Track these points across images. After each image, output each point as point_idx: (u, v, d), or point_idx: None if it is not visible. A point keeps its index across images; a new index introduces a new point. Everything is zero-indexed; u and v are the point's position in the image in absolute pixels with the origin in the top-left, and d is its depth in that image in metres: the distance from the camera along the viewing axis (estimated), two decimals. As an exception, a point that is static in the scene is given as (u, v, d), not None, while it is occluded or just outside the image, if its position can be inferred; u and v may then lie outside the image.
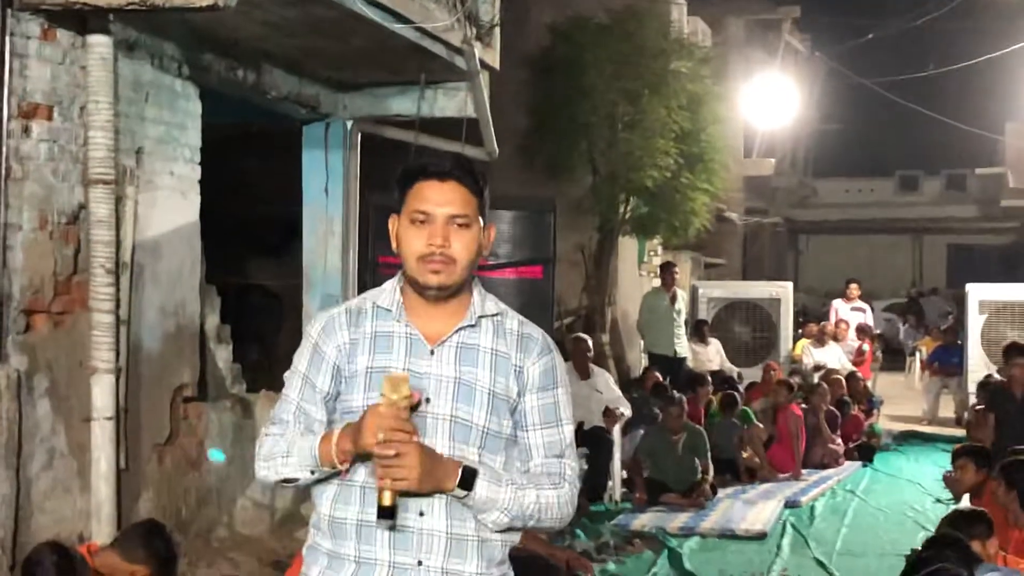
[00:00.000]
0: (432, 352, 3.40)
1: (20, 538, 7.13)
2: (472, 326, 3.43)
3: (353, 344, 3.45)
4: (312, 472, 3.35)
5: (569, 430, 3.49)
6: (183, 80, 9.22)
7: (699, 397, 14.92)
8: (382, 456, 3.16)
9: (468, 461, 3.31)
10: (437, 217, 3.35)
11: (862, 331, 21.69)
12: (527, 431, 3.44)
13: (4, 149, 7.44)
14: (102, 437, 8.03)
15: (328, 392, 3.45)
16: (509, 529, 3.38)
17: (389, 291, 3.48)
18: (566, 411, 3.49)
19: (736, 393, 15.75)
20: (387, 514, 3.21)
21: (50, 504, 7.68)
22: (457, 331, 3.42)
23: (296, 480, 3.41)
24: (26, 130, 7.64)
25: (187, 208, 9.32)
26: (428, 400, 3.35)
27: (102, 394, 8.02)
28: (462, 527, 3.33)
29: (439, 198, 3.36)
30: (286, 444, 3.40)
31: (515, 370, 3.43)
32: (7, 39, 7.43)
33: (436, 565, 3.33)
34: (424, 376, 3.37)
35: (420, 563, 3.32)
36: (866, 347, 21.35)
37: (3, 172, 7.43)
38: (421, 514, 3.30)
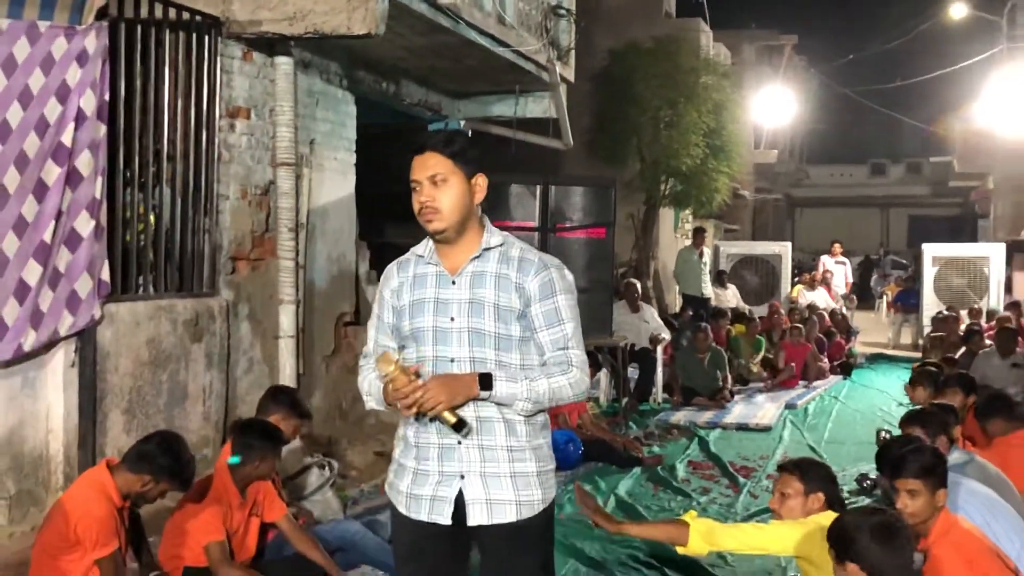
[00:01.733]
0: (454, 282, 3.37)
1: (229, 422, 7.23)
2: (479, 257, 3.38)
3: (401, 285, 3.44)
4: (385, 407, 3.37)
5: (571, 327, 3.37)
6: (343, 90, 9.29)
7: (719, 326, 14.85)
8: (410, 411, 3.18)
9: (487, 362, 3.30)
10: (421, 181, 3.33)
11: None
12: (536, 332, 3.36)
13: (216, 139, 7.56)
14: (286, 350, 8.17)
15: (392, 323, 3.45)
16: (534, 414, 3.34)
17: (425, 243, 3.46)
18: (566, 313, 3.37)
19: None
20: (458, 428, 3.22)
21: (250, 398, 7.76)
22: (470, 262, 3.37)
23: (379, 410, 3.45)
24: (231, 126, 7.76)
25: (346, 185, 9.41)
26: (453, 319, 3.33)
27: (286, 319, 8.14)
28: (487, 411, 3.29)
29: (419, 166, 3.34)
30: (367, 384, 3.44)
31: (516, 287, 3.34)
32: (218, 59, 7.54)
33: (472, 442, 3.30)
34: (449, 301, 3.35)
35: (459, 442, 3.31)
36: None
37: (216, 156, 7.55)
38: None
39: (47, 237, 6.06)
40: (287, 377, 8.14)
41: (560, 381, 3.32)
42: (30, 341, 5.98)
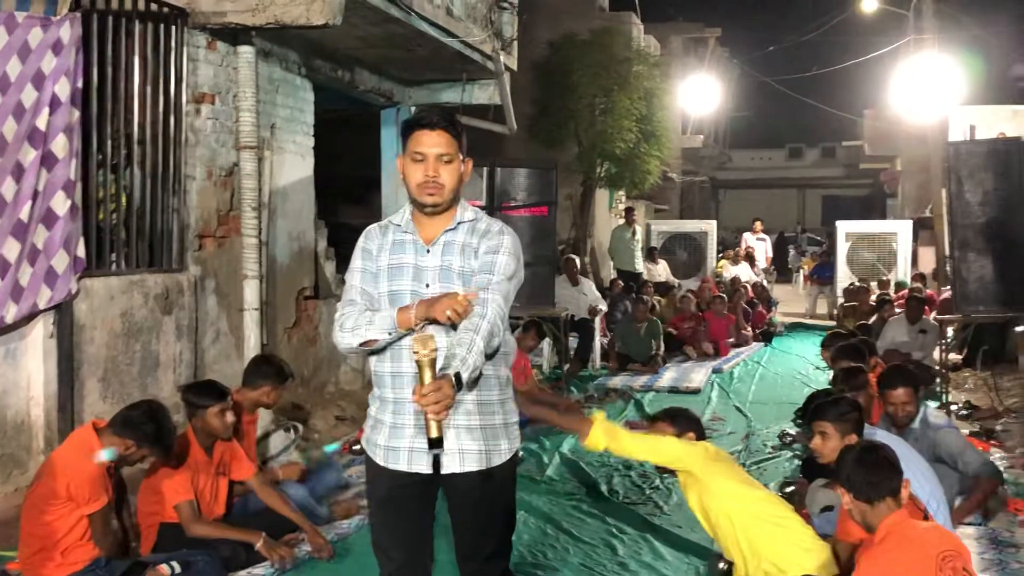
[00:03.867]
0: (428, 251, 3.41)
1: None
2: (453, 229, 3.42)
3: (380, 248, 3.46)
4: (389, 333, 3.30)
5: (498, 279, 3.32)
6: (302, 78, 9.26)
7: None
8: (429, 407, 3.05)
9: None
10: (429, 156, 3.33)
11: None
12: (473, 276, 3.36)
13: (183, 124, 7.53)
14: (251, 322, 8.15)
15: (376, 275, 3.45)
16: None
17: (402, 213, 3.49)
18: (501, 268, 3.34)
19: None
20: (437, 443, 3.13)
21: (217, 367, 7.81)
22: (443, 233, 3.41)
23: (375, 341, 3.31)
24: (197, 111, 7.72)
25: (305, 167, 9.38)
26: (428, 285, 3.36)
27: (251, 293, 8.13)
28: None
29: (430, 142, 3.34)
30: (368, 315, 3.36)
31: (475, 252, 3.39)
32: (185, 48, 7.50)
33: None
34: (424, 268, 3.39)
35: (440, 451, 3.29)
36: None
37: (183, 140, 7.52)
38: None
39: (24, 216, 6.02)
40: (252, 347, 8.15)
41: (474, 338, 3.19)
42: (11, 314, 5.96)
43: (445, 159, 3.36)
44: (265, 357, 6.58)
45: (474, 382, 3.29)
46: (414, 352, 3.11)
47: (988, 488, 5.95)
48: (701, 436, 4.88)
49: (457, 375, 3.14)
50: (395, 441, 3.40)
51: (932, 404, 9.38)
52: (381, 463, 3.44)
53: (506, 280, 3.37)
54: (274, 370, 6.04)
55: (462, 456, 3.36)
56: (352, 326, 3.37)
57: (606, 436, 4.37)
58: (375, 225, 3.57)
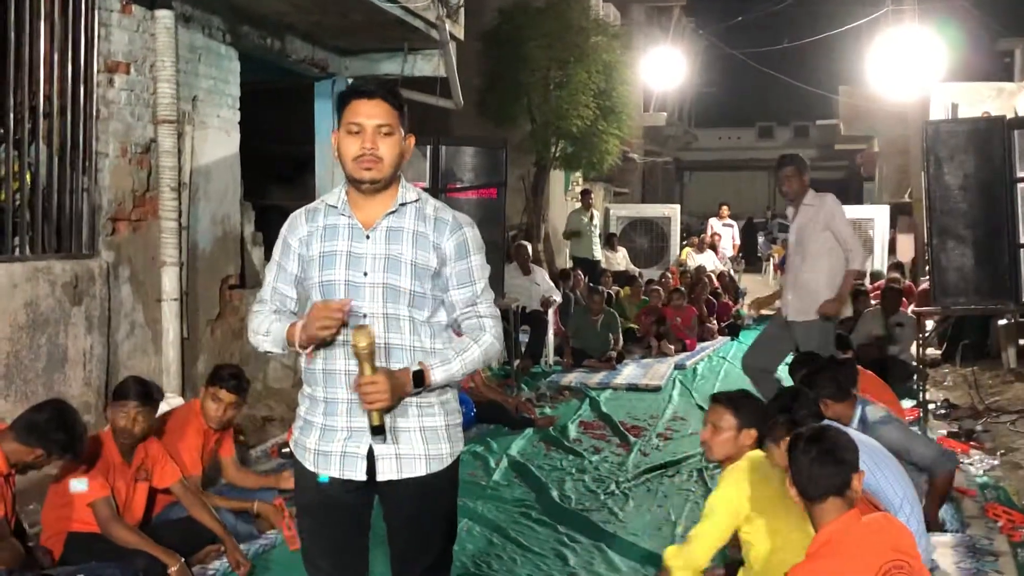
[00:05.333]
0: (368, 236, 3.36)
1: (110, 388, 7.14)
2: (395, 212, 3.38)
3: (310, 235, 3.41)
4: (283, 350, 3.40)
5: (481, 285, 3.43)
6: (227, 46, 9.17)
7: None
8: (363, 394, 3.18)
9: (400, 319, 3.31)
10: (367, 127, 3.30)
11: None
12: (450, 291, 3.40)
13: (94, 95, 7.44)
14: (170, 314, 8.11)
15: (296, 274, 3.44)
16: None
17: (336, 193, 3.45)
18: (478, 273, 3.43)
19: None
20: (378, 431, 3.24)
21: (132, 363, 7.73)
22: (385, 216, 3.37)
23: (274, 352, 3.45)
24: (110, 81, 7.63)
25: (230, 143, 9.30)
26: (366, 274, 3.32)
27: (169, 281, 8.08)
28: (398, 368, 3.30)
29: (368, 111, 3.31)
30: (267, 324, 3.41)
31: (433, 246, 3.36)
32: (96, 12, 7.40)
33: None
34: (363, 255, 3.35)
35: (384, 439, 3.31)
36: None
37: (94, 113, 7.43)
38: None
39: (-83, 196, 5.93)
40: (171, 341, 8.11)
41: (484, 343, 3.38)
42: (-99, 304, 5.86)
43: (384, 131, 3.32)
44: (222, 365, 6.53)
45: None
46: (352, 345, 3.16)
47: (946, 480, 6.10)
48: (762, 432, 4.68)
49: (418, 372, 3.24)
50: (326, 444, 3.39)
51: (909, 403, 9.58)
52: (311, 468, 3.43)
53: (487, 283, 3.47)
54: (227, 376, 6.12)
55: (399, 461, 3.36)
56: (254, 328, 3.47)
57: (687, 567, 4.42)
58: (301, 210, 3.52)
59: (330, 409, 3.39)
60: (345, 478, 3.37)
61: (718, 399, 4.85)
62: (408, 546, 3.46)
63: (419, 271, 3.36)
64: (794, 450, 3.72)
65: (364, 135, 3.31)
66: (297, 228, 3.46)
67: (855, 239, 8.03)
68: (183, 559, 5.12)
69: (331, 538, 3.47)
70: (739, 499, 4.41)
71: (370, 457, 3.35)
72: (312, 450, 3.42)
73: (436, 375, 3.29)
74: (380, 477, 3.36)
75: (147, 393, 5.37)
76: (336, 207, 3.42)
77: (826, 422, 4.63)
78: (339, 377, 3.34)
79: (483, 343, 3.38)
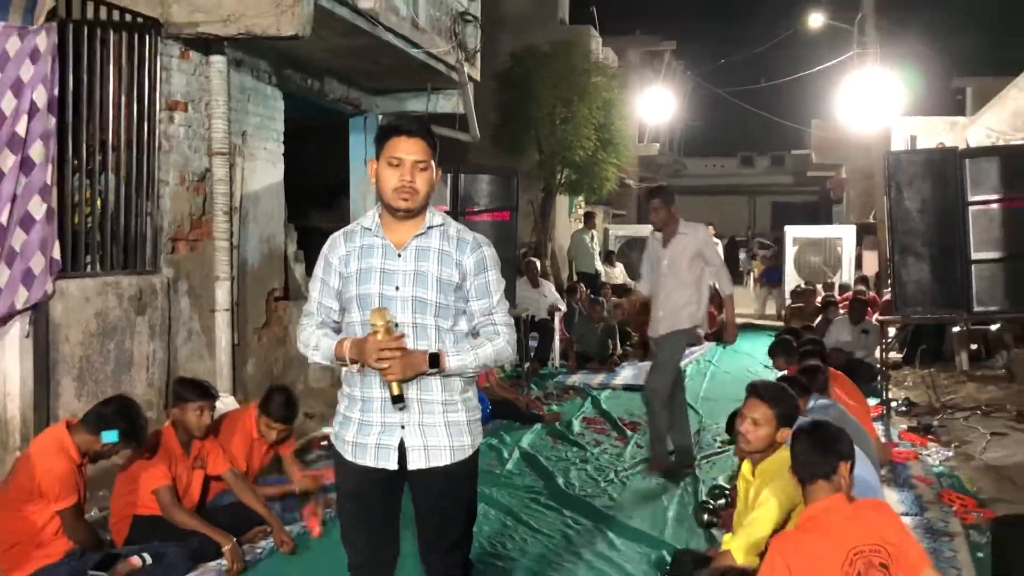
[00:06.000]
0: (399, 255, 3.38)
1: (170, 389, 7.14)
2: (424, 234, 3.40)
3: (348, 254, 3.43)
4: (332, 363, 3.41)
5: (496, 297, 3.45)
6: (272, 87, 9.22)
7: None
8: (379, 368, 3.24)
9: (428, 327, 3.34)
10: (406, 162, 3.32)
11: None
12: (470, 302, 3.42)
13: (156, 131, 7.49)
14: (223, 323, 8.13)
15: (336, 288, 3.45)
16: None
17: (371, 216, 3.46)
18: (494, 287, 3.44)
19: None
20: (398, 400, 3.29)
21: (189, 366, 7.76)
22: (415, 238, 3.39)
23: (321, 363, 3.48)
24: (171, 118, 7.68)
25: (275, 173, 9.33)
26: (398, 288, 3.35)
27: (222, 294, 8.11)
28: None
29: (407, 148, 3.32)
30: (315, 339, 3.44)
31: (455, 263, 3.38)
32: (158, 57, 7.46)
33: (412, 397, 3.34)
34: (395, 272, 3.37)
35: (403, 408, 3.34)
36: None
37: (156, 146, 7.48)
38: None
39: (3, 219, 5.97)
40: (223, 347, 8.13)
41: (497, 345, 3.41)
42: (-11, 314, 5.91)
43: (421, 166, 3.35)
44: (278, 388, 6.28)
45: (440, 384, 3.36)
46: (371, 324, 3.24)
47: None
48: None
49: (434, 355, 3.29)
50: (362, 438, 3.41)
51: (873, 401, 9.56)
52: (349, 458, 3.45)
53: (503, 295, 3.48)
54: (277, 405, 6.00)
55: (427, 452, 3.38)
56: (304, 341, 3.51)
57: (749, 552, 4.17)
58: (340, 232, 3.54)
59: (366, 407, 3.42)
60: (379, 467, 3.39)
61: (759, 394, 4.43)
62: (434, 527, 3.47)
63: (444, 285, 3.39)
64: (795, 439, 3.81)
65: (403, 169, 3.33)
66: (337, 248, 3.49)
67: (724, 267, 7.83)
68: (234, 540, 5.15)
69: (367, 520, 3.48)
70: (793, 489, 4.09)
71: (401, 449, 3.37)
72: (350, 442, 3.44)
73: (451, 361, 3.33)
74: (410, 466, 3.38)
75: (210, 393, 5.42)
76: (370, 229, 3.45)
77: (821, 417, 4.64)
78: (374, 379, 3.36)
79: (496, 344, 3.41)
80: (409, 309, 3.37)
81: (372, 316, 3.25)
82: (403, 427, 3.38)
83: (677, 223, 7.60)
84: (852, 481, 3.75)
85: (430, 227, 3.43)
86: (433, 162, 3.40)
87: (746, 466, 4.54)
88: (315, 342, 3.45)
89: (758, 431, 4.35)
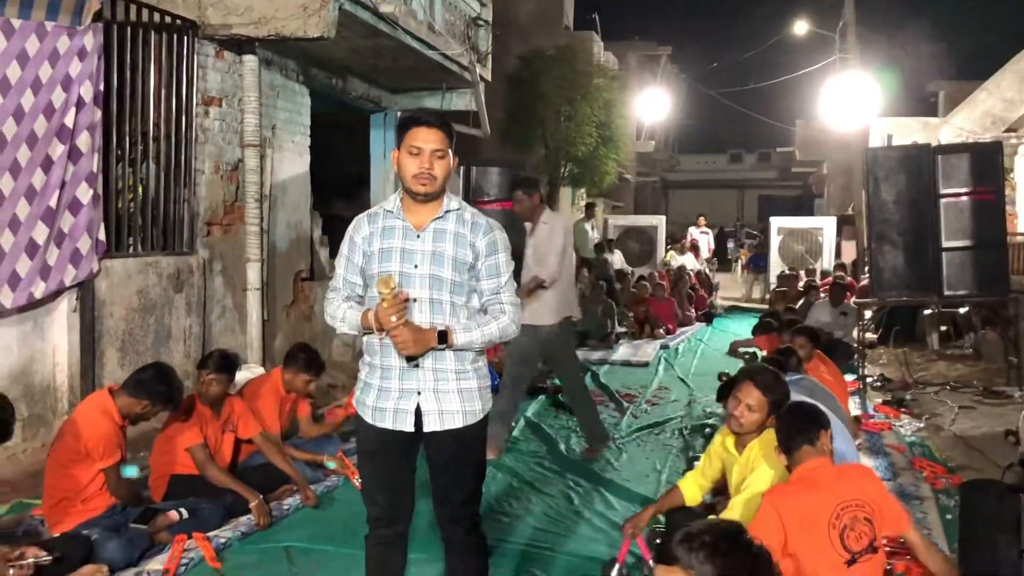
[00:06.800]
0: (418, 236, 3.37)
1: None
2: (441, 217, 3.38)
3: (371, 234, 3.41)
4: (359, 332, 3.40)
5: (505, 278, 3.42)
6: (300, 84, 9.22)
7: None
8: (393, 340, 3.25)
9: (443, 303, 3.33)
10: (425, 150, 3.29)
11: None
12: (480, 281, 3.40)
13: (193, 124, 7.50)
14: (254, 301, 8.18)
15: (360, 265, 3.44)
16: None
17: (393, 200, 3.44)
18: (503, 267, 3.42)
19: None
20: (410, 359, 3.30)
21: (223, 340, 7.80)
22: (433, 221, 3.37)
23: (348, 333, 3.46)
24: (206, 113, 7.69)
25: (302, 163, 9.34)
26: (417, 266, 3.34)
27: (253, 274, 8.15)
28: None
29: (426, 137, 3.29)
30: (342, 312, 3.42)
31: (470, 244, 3.37)
32: (195, 56, 7.47)
33: (428, 365, 3.34)
34: (414, 251, 3.36)
35: (417, 365, 3.32)
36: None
37: (193, 137, 7.49)
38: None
39: (53, 203, 5.99)
40: (254, 323, 8.17)
41: (502, 322, 3.39)
42: (40, 290, 5.93)
43: (439, 154, 3.33)
44: (304, 346, 6.28)
45: (453, 354, 3.36)
46: (379, 293, 3.21)
47: None
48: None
49: (443, 332, 3.28)
50: (382, 402, 3.41)
51: (851, 377, 9.54)
52: (369, 421, 3.44)
53: (511, 275, 3.46)
54: (304, 359, 6.02)
55: (441, 416, 3.38)
56: (331, 313, 3.49)
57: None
58: (364, 214, 3.52)
59: (385, 374, 3.41)
60: (397, 429, 3.40)
61: (756, 382, 4.25)
62: (447, 484, 3.47)
63: (458, 265, 3.37)
64: (781, 419, 3.83)
65: (423, 156, 3.31)
66: (361, 228, 3.47)
67: (560, 254, 6.95)
68: (262, 496, 5.16)
69: (386, 477, 3.47)
70: (780, 476, 4.00)
71: (417, 413, 3.37)
72: (371, 407, 3.44)
73: (458, 338, 3.31)
74: (426, 429, 3.37)
75: (223, 364, 5.38)
76: (392, 212, 3.43)
77: (794, 389, 4.61)
78: (393, 349, 3.34)
79: (501, 322, 3.39)
80: (427, 286, 3.35)
81: (378, 285, 3.22)
82: (419, 393, 3.37)
83: (541, 213, 7.09)
84: (832, 449, 3.75)
85: (447, 211, 3.42)
86: (450, 151, 3.37)
87: (729, 440, 4.50)
88: (342, 314, 3.45)
89: (751, 415, 4.26)
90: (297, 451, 5.97)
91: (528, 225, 7.14)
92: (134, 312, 6.70)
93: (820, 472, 3.57)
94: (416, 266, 3.37)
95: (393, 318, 3.22)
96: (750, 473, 4.22)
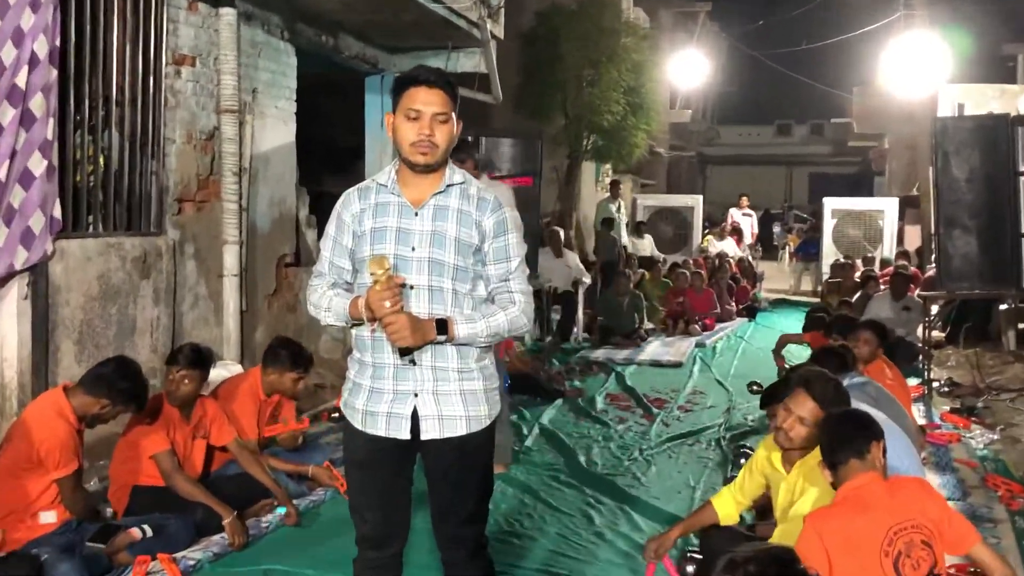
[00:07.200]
0: (416, 214, 3.32)
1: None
2: (443, 192, 3.33)
3: (362, 211, 3.36)
4: (347, 323, 3.35)
5: (516, 263, 3.39)
6: (285, 42, 9.17)
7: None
8: (386, 329, 3.17)
9: (444, 290, 3.28)
10: (425, 114, 3.23)
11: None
12: (487, 266, 3.36)
13: (162, 86, 7.46)
14: (230, 288, 8.14)
15: (349, 247, 3.39)
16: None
17: (387, 172, 3.39)
18: (514, 250, 3.38)
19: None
20: (405, 353, 3.24)
21: (196, 332, 7.76)
22: (433, 196, 3.32)
23: (335, 325, 3.42)
24: (177, 73, 7.64)
25: (287, 132, 9.30)
26: (414, 248, 3.28)
27: (230, 258, 8.11)
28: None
29: (426, 99, 3.23)
30: (327, 300, 3.37)
31: (475, 223, 3.32)
32: (165, 9, 7.41)
33: (426, 363, 3.30)
34: (411, 231, 3.31)
35: (414, 363, 3.30)
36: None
37: (162, 102, 7.45)
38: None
39: (2, 176, 5.94)
40: (231, 313, 8.15)
41: (511, 314, 3.35)
42: (-14, 274, 5.91)
43: (441, 118, 3.27)
44: (286, 340, 6.35)
45: (456, 351, 3.32)
46: (371, 274, 3.15)
47: None
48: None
49: (442, 321, 3.24)
50: (373, 405, 3.37)
51: (914, 381, 9.48)
52: (359, 427, 3.41)
53: (522, 260, 3.42)
54: (289, 356, 6.02)
55: (441, 422, 3.34)
56: (315, 303, 3.44)
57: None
58: (354, 188, 3.47)
59: (378, 373, 3.37)
60: (390, 436, 3.35)
61: (811, 391, 4.13)
62: (447, 500, 3.44)
63: (462, 247, 3.32)
64: (825, 428, 3.76)
65: (422, 121, 3.25)
66: (350, 205, 3.42)
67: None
68: (236, 512, 5.13)
69: (377, 491, 3.45)
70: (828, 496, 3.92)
71: (414, 417, 3.33)
72: (361, 410, 3.40)
73: (460, 329, 3.26)
74: (424, 436, 3.33)
75: (195, 359, 5.36)
76: (386, 186, 3.38)
77: (858, 394, 4.56)
78: (387, 344, 3.30)
79: (510, 313, 3.35)
80: (425, 271, 3.31)
81: (370, 265, 3.16)
82: (416, 395, 3.33)
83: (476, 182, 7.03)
84: (886, 462, 3.68)
85: (450, 185, 3.37)
86: (454, 114, 3.31)
87: (775, 455, 4.42)
88: (327, 303, 3.40)
89: (801, 429, 4.12)
90: (278, 460, 5.95)
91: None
92: (93, 300, 6.68)
93: (869, 490, 3.50)
94: (414, 248, 3.31)
95: (387, 304, 3.15)
96: (800, 496, 4.15)
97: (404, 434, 3.34)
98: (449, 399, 3.34)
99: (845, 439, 3.62)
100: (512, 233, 3.41)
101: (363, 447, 3.41)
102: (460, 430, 3.35)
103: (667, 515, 5.82)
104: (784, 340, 9.97)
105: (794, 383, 4.26)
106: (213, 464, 5.62)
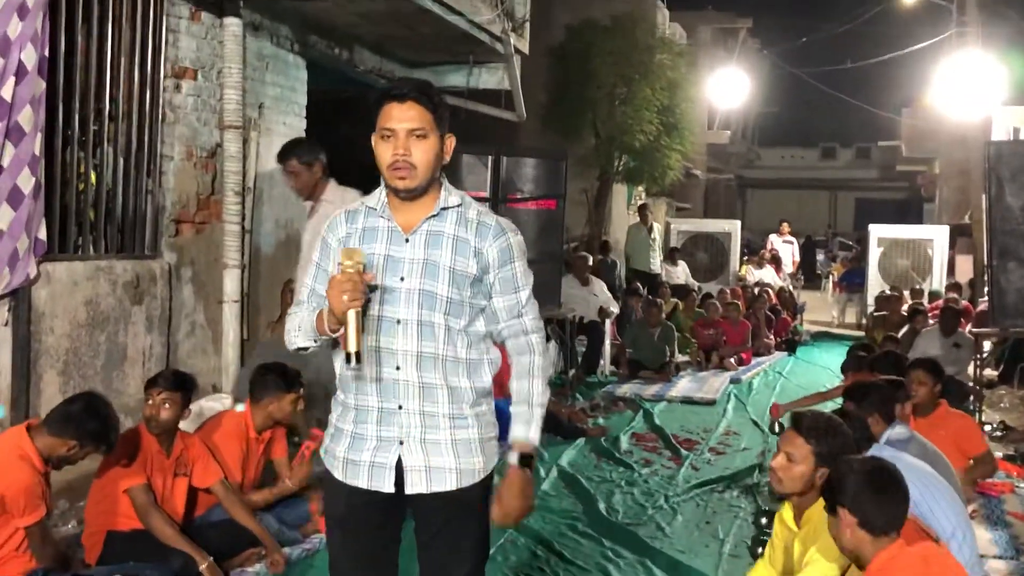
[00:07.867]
0: (407, 240, 3.15)
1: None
2: (436, 216, 3.16)
3: (348, 236, 3.20)
4: (315, 341, 3.13)
5: (525, 294, 3.24)
6: (294, 55, 9.10)
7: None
8: (342, 302, 2.88)
9: (435, 326, 3.10)
10: (398, 132, 3.06)
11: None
12: (492, 299, 3.20)
13: (160, 100, 7.38)
14: (230, 315, 8.02)
15: (333, 274, 3.15)
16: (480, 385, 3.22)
17: (377, 194, 3.22)
18: (522, 280, 3.23)
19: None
20: (354, 359, 2.93)
21: (192, 362, 7.65)
22: (425, 221, 3.15)
23: (307, 348, 3.15)
24: (177, 87, 7.56)
25: (295, 150, 9.22)
26: (403, 279, 3.11)
27: (231, 283, 8.00)
28: (431, 377, 3.11)
29: (400, 115, 3.06)
30: (298, 321, 3.19)
31: (474, 251, 3.15)
32: (164, 18, 7.34)
33: (414, 408, 3.12)
34: (400, 259, 3.13)
35: (400, 407, 3.12)
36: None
37: (160, 116, 7.37)
38: (397, 368, 3.09)
39: (-14, 193, 5.84)
40: (231, 342, 8.01)
41: (534, 371, 3.23)
42: (-34, 299, 5.79)
43: (417, 134, 3.09)
44: (268, 366, 6.15)
45: (447, 394, 3.14)
46: (339, 264, 2.96)
47: None
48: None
49: (524, 457, 3.21)
50: (355, 454, 3.18)
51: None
52: (339, 477, 3.22)
53: (530, 291, 3.27)
54: (279, 379, 5.86)
55: (428, 474, 3.14)
56: (289, 328, 3.23)
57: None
58: (342, 211, 3.30)
59: (360, 417, 3.18)
60: (373, 489, 3.15)
61: (798, 426, 4.12)
62: (437, 564, 3.24)
63: (457, 277, 3.14)
64: (852, 481, 3.55)
65: (396, 140, 3.08)
66: (337, 228, 3.26)
67: None
68: (211, 558, 4.92)
69: (360, 551, 3.25)
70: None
71: (399, 468, 3.14)
72: (341, 459, 3.21)
73: (532, 435, 3.21)
74: (409, 490, 3.14)
75: (177, 381, 5.19)
76: (375, 209, 3.21)
77: (871, 453, 4.34)
78: (369, 385, 3.13)
79: (535, 371, 3.23)
80: (415, 304, 3.12)
81: (341, 255, 2.96)
82: (401, 442, 3.14)
83: (324, 188, 6.60)
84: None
85: (444, 208, 3.18)
86: (438, 128, 3.13)
87: (787, 512, 4.24)
88: (298, 322, 3.19)
89: (792, 469, 4.05)
90: (263, 492, 5.75)
91: (308, 205, 6.67)
92: (80, 327, 6.55)
93: (899, 563, 3.33)
94: (403, 278, 3.13)
95: (344, 297, 2.90)
96: (813, 544, 3.98)
97: (388, 487, 3.14)
98: (438, 448, 3.14)
99: (893, 510, 3.49)
100: (518, 261, 3.23)
101: (344, 501, 3.22)
102: (449, 484, 3.15)
103: (692, 571, 5.59)
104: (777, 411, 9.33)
105: (791, 424, 4.22)
106: (197, 509, 5.43)
